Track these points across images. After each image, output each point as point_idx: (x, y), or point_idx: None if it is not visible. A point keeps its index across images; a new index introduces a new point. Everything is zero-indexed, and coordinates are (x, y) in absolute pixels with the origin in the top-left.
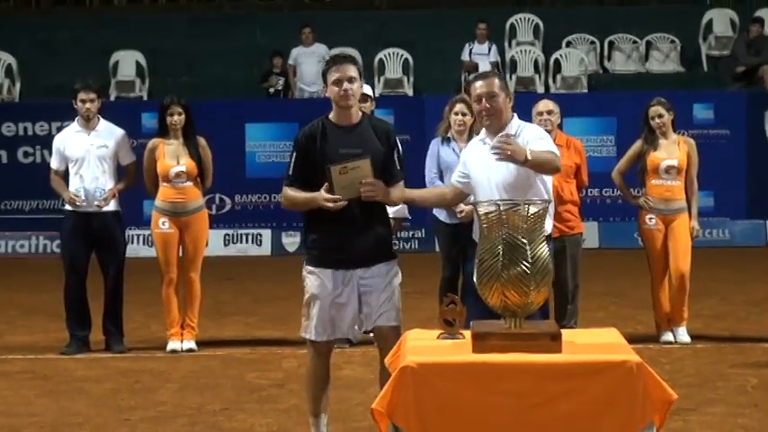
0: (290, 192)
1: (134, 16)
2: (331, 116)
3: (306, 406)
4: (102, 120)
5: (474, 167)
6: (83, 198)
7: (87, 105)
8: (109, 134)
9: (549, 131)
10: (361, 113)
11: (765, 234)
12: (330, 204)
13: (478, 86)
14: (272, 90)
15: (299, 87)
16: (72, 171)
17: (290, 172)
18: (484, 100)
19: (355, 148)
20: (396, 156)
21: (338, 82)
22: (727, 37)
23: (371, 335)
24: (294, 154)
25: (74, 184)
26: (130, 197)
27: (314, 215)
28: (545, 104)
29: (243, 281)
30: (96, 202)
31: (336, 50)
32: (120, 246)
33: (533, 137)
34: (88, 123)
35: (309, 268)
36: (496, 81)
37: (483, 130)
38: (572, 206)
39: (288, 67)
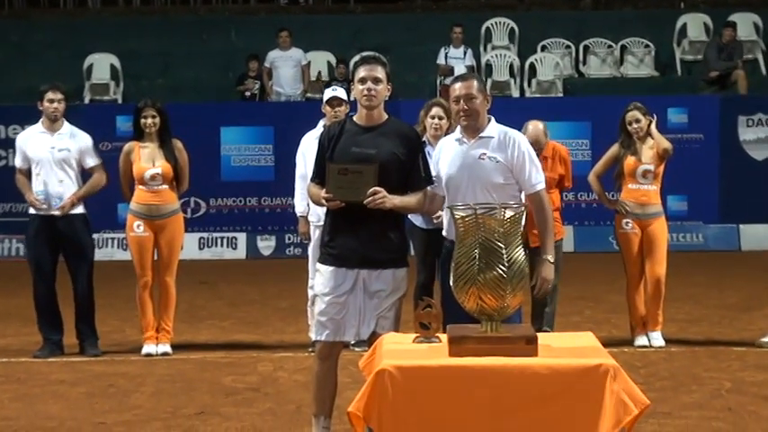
0: (311, 186)
1: (108, 19)
2: (355, 116)
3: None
4: (66, 123)
5: (450, 166)
6: (43, 201)
7: (55, 105)
8: (72, 138)
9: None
10: (386, 116)
11: (738, 238)
12: (325, 202)
13: (457, 88)
14: (247, 93)
15: (275, 91)
16: (34, 172)
17: (314, 169)
18: (462, 101)
19: (369, 148)
20: (420, 162)
21: (363, 80)
22: (701, 41)
23: (351, 341)
24: (318, 151)
25: (36, 187)
26: (104, 200)
27: (333, 215)
28: (537, 139)
29: (218, 284)
30: (54, 211)
31: (312, 54)
32: (87, 249)
33: (520, 160)
34: (53, 125)
35: (319, 266)
36: (475, 83)
37: (458, 129)
38: (554, 214)
39: (263, 69)
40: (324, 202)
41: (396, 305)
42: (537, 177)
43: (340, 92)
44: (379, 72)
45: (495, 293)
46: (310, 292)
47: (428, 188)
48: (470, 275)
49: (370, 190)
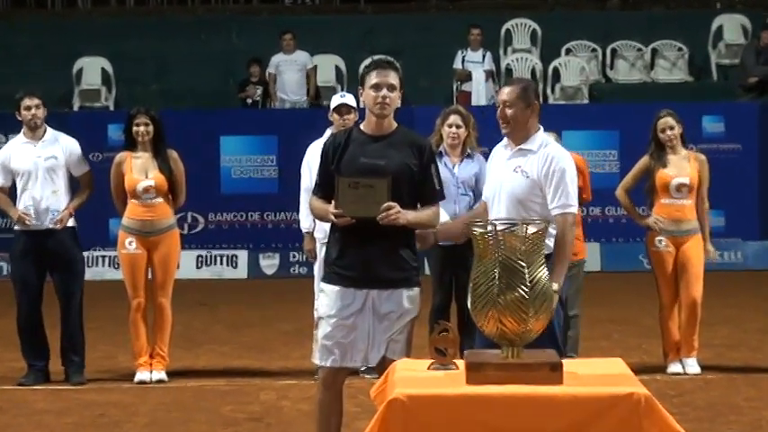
0: (314, 201)
1: (99, 20)
2: (362, 124)
3: None
4: (49, 129)
5: (490, 175)
6: (33, 216)
7: (33, 111)
8: (57, 144)
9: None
10: (395, 124)
11: None
12: (334, 218)
13: (502, 92)
14: (249, 100)
15: (279, 97)
16: (20, 186)
17: (318, 180)
18: (502, 107)
19: (378, 158)
20: (433, 174)
21: (377, 87)
22: (738, 44)
23: (362, 368)
24: (321, 162)
25: (23, 201)
26: (95, 215)
27: (336, 229)
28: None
29: (217, 306)
30: (49, 225)
31: (319, 58)
32: (77, 266)
33: (550, 178)
34: (34, 133)
35: (323, 286)
36: (516, 90)
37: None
38: (576, 229)
39: (268, 75)
40: (332, 218)
41: (407, 328)
42: (562, 200)
43: (349, 98)
44: (393, 78)
45: (517, 316)
46: (316, 314)
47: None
48: (490, 297)
49: (384, 205)
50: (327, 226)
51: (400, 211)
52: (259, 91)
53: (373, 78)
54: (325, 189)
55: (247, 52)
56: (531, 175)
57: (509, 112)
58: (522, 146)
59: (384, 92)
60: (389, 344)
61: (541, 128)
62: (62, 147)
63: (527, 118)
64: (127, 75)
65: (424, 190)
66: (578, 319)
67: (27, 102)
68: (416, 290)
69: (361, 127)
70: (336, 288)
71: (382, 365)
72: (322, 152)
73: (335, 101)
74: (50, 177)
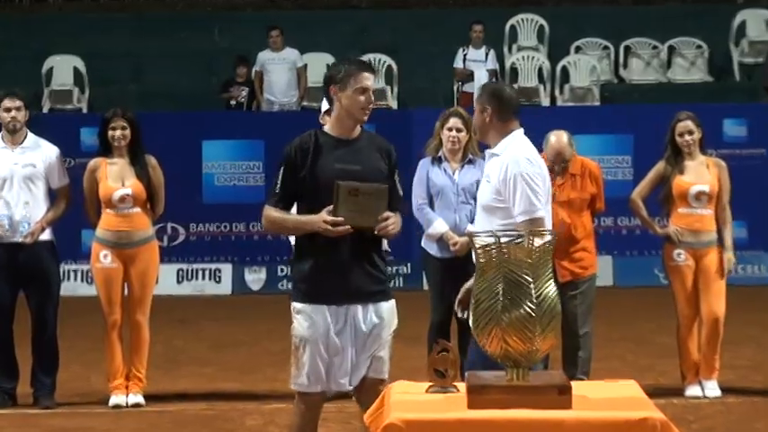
0: (275, 212)
1: (72, 16)
2: (327, 128)
3: None
4: (30, 134)
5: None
6: (7, 227)
7: (13, 114)
8: (38, 151)
9: (561, 170)
10: (360, 128)
11: None
12: (331, 227)
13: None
14: (233, 102)
15: (266, 99)
16: None
17: (278, 189)
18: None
19: (353, 164)
20: (397, 179)
21: (364, 91)
22: (762, 42)
23: (350, 387)
24: (282, 168)
25: None
26: (67, 226)
27: (306, 242)
28: (561, 149)
29: (199, 324)
30: (20, 239)
31: (309, 57)
32: (53, 282)
33: (506, 185)
34: (13, 137)
35: (299, 306)
36: (476, 96)
37: None
38: (587, 241)
39: (254, 74)
40: (328, 228)
41: (390, 343)
42: (524, 205)
43: None
44: (375, 83)
45: (522, 335)
46: (295, 337)
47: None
48: (493, 314)
49: (384, 214)
50: None
51: (397, 221)
52: (244, 92)
53: (360, 81)
54: (289, 199)
55: (231, 50)
56: (492, 181)
57: (477, 117)
58: (492, 150)
59: (372, 97)
60: (372, 361)
61: (516, 130)
62: (43, 155)
63: (484, 122)
64: (101, 75)
65: (392, 196)
66: (589, 338)
67: (7, 103)
68: (393, 301)
69: (327, 130)
70: (315, 307)
71: (364, 388)
72: (286, 158)
73: (327, 103)
74: (27, 186)
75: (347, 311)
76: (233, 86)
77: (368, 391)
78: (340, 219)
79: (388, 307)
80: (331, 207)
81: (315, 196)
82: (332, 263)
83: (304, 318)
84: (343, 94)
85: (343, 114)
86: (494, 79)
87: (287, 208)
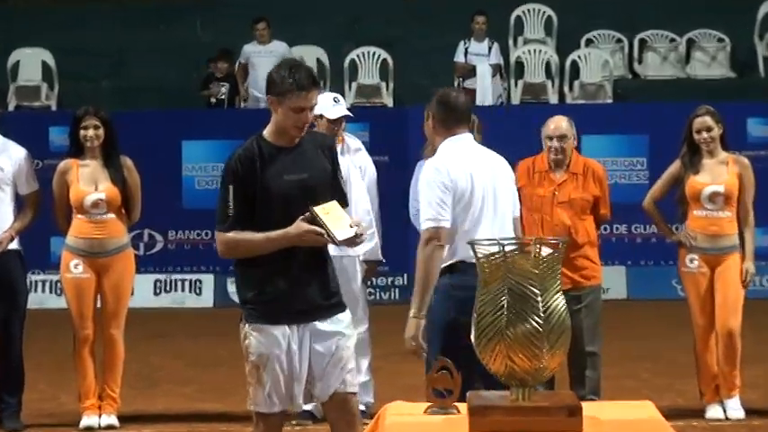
0: (235, 235)
1: (40, 6)
2: (267, 134)
3: None
4: None
5: None
6: None
7: None
8: (5, 154)
9: (559, 161)
10: None
11: None
12: (324, 238)
13: None
14: (213, 100)
15: (252, 95)
16: None
17: (230, 211)
18: None
19: (300, 172)
20: (340, 177)
21: (301, 110)
22: None
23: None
24: (231, 187)
25: None
26: (34, 233)
27: (256, 261)
28: (557, 127)
29: (178, 339)
30: None
31: (299, 50)
32: (20, 294)
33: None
34: None
35: (255, 326)
36: (430, 102)
37: None
38: (589, 249)
39: (238, 66)
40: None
41: (353, 356)
42: (424, 215)
43: (343, 105)
44: (315, 98)
45: (529, 352)
46: (251, 360)
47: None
48: (497, 329)
49: (358, 224)
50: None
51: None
52: (224, 89)
53: (296, 100)
54: (244, 221)
55: (214, 44)
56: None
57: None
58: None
59: (308, 116)
60: (341, 374)
61: (449, 138)
62: (11, 158)
63: (430, 129)
64: (72, 69)
65: (337, 191)
66: (598, 357)
67: None
68: (348, 311)
69: (267, 137)
70: (275, 326)
71: (335, 402)
72: (233, 175)
73: (327, 107)
74: None
75: (305, 329)
76: (212, 83)
77: (338, 405)
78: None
79: (347, 317)
80: (301, 219)
81: (267, 214)
82: (284, 280)
83: (262, 337)
84: (279, 108)
85: (280, 127)
86: (497, 75)
87: (248, 227)
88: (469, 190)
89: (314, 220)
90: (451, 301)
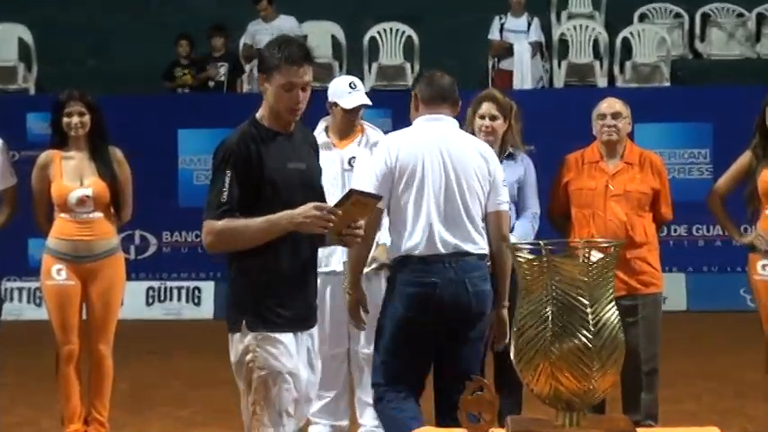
0: (226, 223)
1: None
2: (262, 118)
3: None
4: None
5: None
6: None
7: None
8: None
9: (614, 143)
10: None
11: None
12: (325, 217)
13: None
14: (211, 83)
15: (256, 77)
16: None
17: (225, 197)
18: None
19: (299, 161)
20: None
21: (290, 87)
22: None
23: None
24: (229, 172)
25: None
26: (9, 234)
27: (261, 258)
28: (609, 105)
29: (173, 355)
30: None
31: (309, 25)
32: None
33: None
34: None
35: (263, 336)
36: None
37: None
38: (648, 252)
39: (242, 47)
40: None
41: None
42: (352, 181)
43: (362, 91)
44: (310, 74)
45: (577, 371)
46: (265, 373)
47: None
48: (541, 345)
49: (359, 224)
50: (338, 257)
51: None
52: (223, 69)
53: (286, 76)
54: (236, 210)
55: (210, 20)
56: None
57: None
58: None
59: (300, 94)
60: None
61: (425, 116)
62: None
63: (413, 109)
64: (53, 48)
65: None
66: (656, 376)
67: None
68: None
69: (262, 122)
70: (290, 335)
71: None
72: (232, 159)
73: (341, 93)
74: None
75: (302, 336)
76: (209, 63)
77: None
78: (338, 212)
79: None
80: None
81: (272, 204)
82: (300, 284)
83: (282, 348)
84: (269, 86)
85: (273, 110)
86: (538, 54)
87: (249, 214)
88: (415, 173)
89: (340, 204)
90: (402, 299)
